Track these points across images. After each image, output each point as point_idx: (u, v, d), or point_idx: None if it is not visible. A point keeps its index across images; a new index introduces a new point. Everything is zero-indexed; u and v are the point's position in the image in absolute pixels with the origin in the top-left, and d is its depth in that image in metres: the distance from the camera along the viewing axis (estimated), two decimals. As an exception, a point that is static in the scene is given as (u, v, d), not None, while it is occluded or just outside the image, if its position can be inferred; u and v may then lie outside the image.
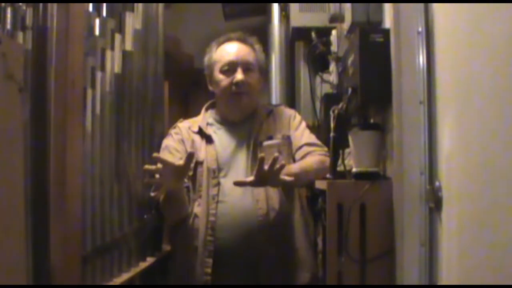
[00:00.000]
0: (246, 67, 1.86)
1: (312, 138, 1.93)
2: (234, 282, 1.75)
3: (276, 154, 1.73)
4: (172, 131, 1.95)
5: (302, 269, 1.81)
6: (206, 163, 1.83)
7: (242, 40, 1.92)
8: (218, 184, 1.80)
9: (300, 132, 1.93)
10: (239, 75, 1.84)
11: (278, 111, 1.99)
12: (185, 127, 1.94)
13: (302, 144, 1.89)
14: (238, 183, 1.66)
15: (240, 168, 1.83)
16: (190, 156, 1.64)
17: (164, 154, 1.88)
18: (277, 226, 1.77)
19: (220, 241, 1.75)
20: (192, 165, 1.84)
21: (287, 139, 1.85)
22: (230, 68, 1.86)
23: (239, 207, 1.77)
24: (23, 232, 1.12)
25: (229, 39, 1.92)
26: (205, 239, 1.76)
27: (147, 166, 1.66)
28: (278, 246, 1.77)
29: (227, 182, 1.81)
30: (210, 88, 1.96)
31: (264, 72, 1.97)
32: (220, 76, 1.87)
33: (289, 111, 2.01)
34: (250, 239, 1.74)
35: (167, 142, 1.91)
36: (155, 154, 1.67)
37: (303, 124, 1.97)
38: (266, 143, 1.81)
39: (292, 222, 1.83)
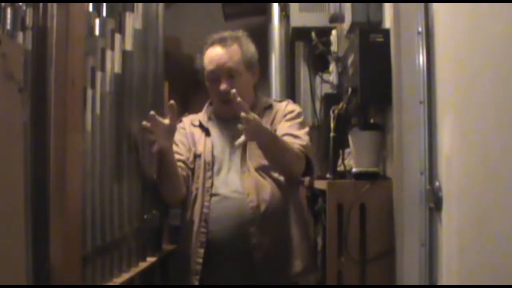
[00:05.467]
0: (229, 74, 1.85)
1: (297, 132, 1.86)
2: (226, 273, 1.78)
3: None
4: (178, 125, 1.97)
5: (295, 258, 1.82)
6: (203, 156, 1.85)
7: (223, 42, 1.89)
8: (212, 177, 1.83)
9: (289, 124, 1.88)
10: (222, 86, 1.84)
11: (279, 106, 1.95)
12: (188, 121, 1.99)
13: (283, 133, 1.84)
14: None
15: (233, 162, 1.86)
16: (172, 108, 1.74)
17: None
18: (268, 217, 1.78)
19: (212, 233, 1.79)
20: (192, 158, 1.89)
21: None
22: (213, 77, 1.87)
23: (231, 200, 1.80)
24: (23, 232, 1.12)
25: (212, 43, 1.91)
26: (198, 230, 1.80)
27: (144, 123, 1.74)
28: (271, 236, 1.79)
29: (220, 176, 1.84)
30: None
31: (254, 65, 1.93)
32: (208, 84, 1.92)
33: (291, 107, 1.95)
34: (242, 232, 1.76)
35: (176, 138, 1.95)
36: (148, 120, 1.74)
37: (298, 120, 1.90)
38: None
39: (284, 212, 1.83)
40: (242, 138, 1.70)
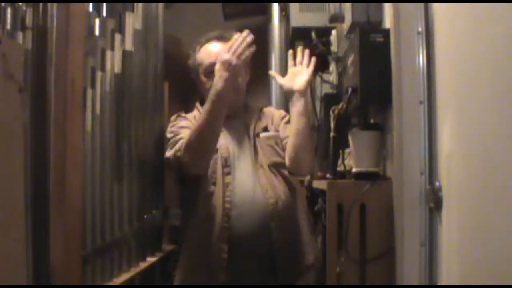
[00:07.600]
0: None
1: None
2: (247, 267, 1.80)
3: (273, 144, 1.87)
4: (179, 118, 1.95)
5: (307, 251, 1.87)
6: (220, 151, 1.85)
7: (221, 38, 1.93)
8: (230, 172, 1.85)
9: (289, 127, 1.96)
10: None
11: (272, 110, 2.07)
12: (191, 116, 1.97)
13: (287, 136, 1.92)
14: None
15: (245, 159, 1.88)
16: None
17: (182, 128, 1.88)
18: (284, 213, 1.83)
19: (235, 229, 1.79)
20: None
21: (279, 133, 1.94)
22: (212, 70, 1.87)
23: (250, 197, 1.82)
24: (23, 232, 1.12)
25: (208, 40, 1.94)
26: (221, 225, 1.79)
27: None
28: (287, 231, 1.83)
29: (236, 173, 1.85)
30: (200, 89, 1.97)
31: (247, 64, 1.97)
32: (204, 79, 1.91)
33: (279, 111, 2.09)
34: (264, 227, 1.78)
35: (182, 123, 1.91)
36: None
37: None
38: (263, 134, 1.90)
39: (295, 209, 1.89)
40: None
